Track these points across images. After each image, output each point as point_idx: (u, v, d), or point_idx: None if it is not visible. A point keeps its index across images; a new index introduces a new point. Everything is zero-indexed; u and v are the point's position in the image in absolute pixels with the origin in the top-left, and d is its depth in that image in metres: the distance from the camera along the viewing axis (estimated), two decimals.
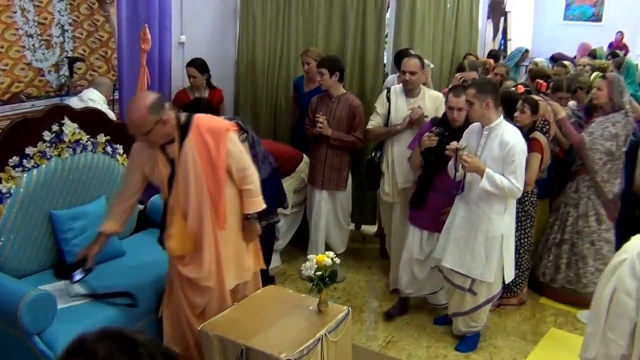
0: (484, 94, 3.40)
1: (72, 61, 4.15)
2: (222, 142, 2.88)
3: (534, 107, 4.04)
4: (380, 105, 4.31)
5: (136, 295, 3.18)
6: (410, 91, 4.22)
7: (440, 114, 4.23)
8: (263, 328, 2.83)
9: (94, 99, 3.89)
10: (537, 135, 4.04)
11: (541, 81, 4.77)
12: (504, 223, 3.52)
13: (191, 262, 2.98)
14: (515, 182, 3.38)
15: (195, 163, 2.87)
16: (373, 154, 4.43)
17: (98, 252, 3.06)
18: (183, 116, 2.92)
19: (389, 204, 4.39)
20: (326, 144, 4.39)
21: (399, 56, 5.01)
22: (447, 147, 3.48)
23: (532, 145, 3.99)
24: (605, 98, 4.19)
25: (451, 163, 3.55)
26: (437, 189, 3.81)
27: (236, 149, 2.95)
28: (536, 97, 4.22)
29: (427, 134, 3.74)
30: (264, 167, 3.89)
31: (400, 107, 4.23)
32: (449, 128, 3.76)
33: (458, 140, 3.53)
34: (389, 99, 4.28)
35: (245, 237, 3.09)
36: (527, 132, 4.05)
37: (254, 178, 3.02)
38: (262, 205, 3.06)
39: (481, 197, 3.46)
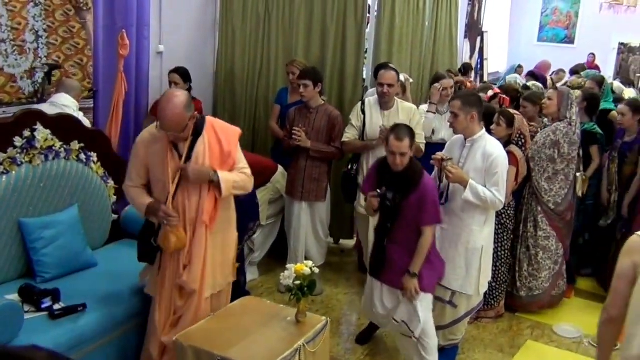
0: (469, 107, 3.40)
1: (51, 68, 4.04)
2: (234, 143, 2.99)
3: (510, 121, 4.10)
4: (355, 118, 4.31)
5: (110, 306, 3.07)
6: (385, 103, 4.24)
7: (414, 126, 4.17)
8: (240, 339, 2.75)
9: (67, 104, 3.75)
10: (513, 148, 4.08)
11: (504, 96, 4.91)
12: (483, 234, 3.52)
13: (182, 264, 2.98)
14: (498, 194, 3.38)
15: (205, 161, 2.91)
16: (350, 167, 4.43)
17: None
18: (197, 115, 2.98)
19: (365, 217, 4.32)
20: (305, 155, 4.36)
21: (379, 70, 5.05)
22: (433, 156, 3.46)
23: (508, 158, 4.02)
24: (555, 108, 4.35)
25: (435, 173, 3.53)
26: (396, 241, 3.34)
27: (241, 152, 3.06)
28: (512, 111, 4.28)
29: (370, 194, 3.31)
30: None
31: (375, 120, 4.24)
32: (393, 179, 3.27)
33: (399, 197, 3.22)
34: (363, 111, 4.29)
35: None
36: (502, 145, 4.08)
37: (247, 174, 3.03)
38: (225, 192, 2.93)
39: (463, 208, 3.45)
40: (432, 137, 4.52)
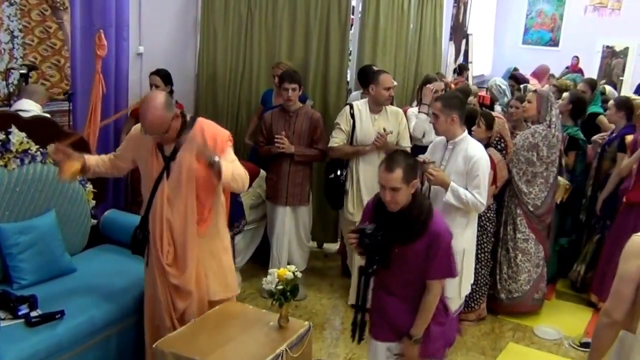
0: (449, 109, 3.42)
1: (29, 69, 4.00)
2: (220, 146, 2.92)
3: (489, 123, 4.15)
4: (344, 122, 4.30)
5: (88, 313, 3.07)
6: (375, 107, 4.26)
7: (402, 129, 4.32)
8: (221, 344, 2.75)
9: (29, 110, 3.65)
10: (491, 151, 4.13)
11: (483, 94, 4.93)
12: (465, 237, 3.56)
13: (173, 265, 2.99)
14: (479, 196, 3.42)
15: (191, 163, 2.89)
16: (339, 173, 4.36)
17: (64, 160, 2.94)
18: (187, 115, 2.99)
19: (351, 222, 4.35)
20: (289, 160, 4.37)
21: (363, 73, 5.08)
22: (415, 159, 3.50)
23: None
24: (534, 111, 4.42)
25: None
26: (391, 292, 2.85)
27: (234, 158, 2.99)
28: (494, 113, 4.34)
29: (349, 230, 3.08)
30: None
31: (365, 123, 4.26)
32: (393, 219, 2.72)
33: (382, 234, 2.70)
34: (352, 116, 4.28)
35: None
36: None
37: (244, 171, 2.97)
38: (224, 176, 2.80)
39: (444, 211, 3.45)
40: (422, 139, 4.56)
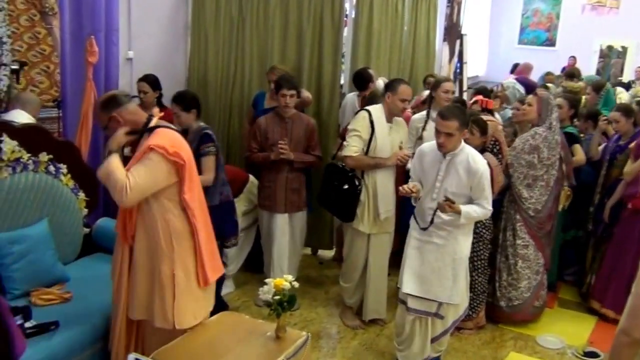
0: (465, 126, 3.54)
1: (21, 65, 4.05)
2: (141, 156, 2.83)
3: (483, 129, 4.21)
4: (364, 130, 4.13)
5: (83, 323, 3.14)
6: (389, 117, 4.19)
7: (404, 139, 4.36)
8: (218, 356, 2.84)
9: (22, 121, 3.70)
10: (488, 156, 4.18)
11: (485, 99, 4.99)
12: (467, 243, 3.69)
13: None
14: (487, 205, 3.57)
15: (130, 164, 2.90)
16: (357, 183, 4.22)
17: None
18: (153, 122, 2.96)
19: (364, 235, 4.28)
20: (287, 167, 4.42)
21: (358, 75, 5.19)
22: (401, 188, 3.56)
23: None
24: (535, 114, 4.50)
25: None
26: None
27: (143, 166, 2.81)
28: (486, 117, 4.41)
29: None
30: (214, 193, 3.93)
31: (383, 133, 4.17)
32: None
33: None
34: (372, 123, 4.14)
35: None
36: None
37: (125, 180, 2.77)
38: (99, 170, 2.85)
39: (450, 221, 3.57)
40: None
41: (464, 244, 3.66)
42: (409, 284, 3.66)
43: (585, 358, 4.24)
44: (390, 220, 4.34)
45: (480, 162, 3.55)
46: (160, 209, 2.88)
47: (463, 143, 3.59)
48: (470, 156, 3.54)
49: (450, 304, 3.69)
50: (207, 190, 3.57)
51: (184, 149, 2.94)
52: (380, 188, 4.20)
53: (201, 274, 2.98)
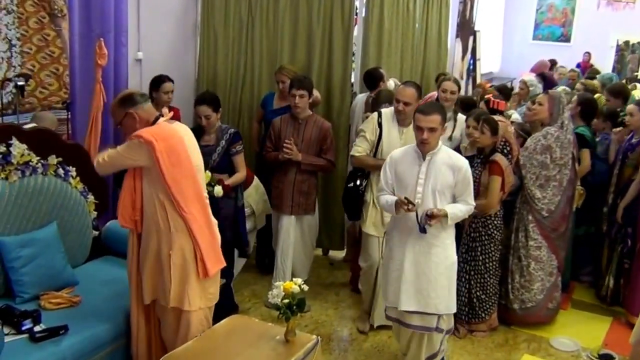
0: (445, 120, 3.49)
1: (26, 79, 4.05)
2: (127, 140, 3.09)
3: (494, 129, 4.17)
4: (370, 131, 4.18)
5: (92, 327, 3.16)
6: (402, 120, 4.13)
7: None
8: None
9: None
10: (498, 157, 4.17)
11: (497, 100, 4.94)
12: (454, 246, 3.59)
13: None
14: (471, 200, 3.52)
15: None
16: (359, 183, 4.29)
17: None
18: (160, 120, 3.15)
19: (373, 237, 4.22)
20: (295, 168, 4.42)
21: (369, 75, 5.17)
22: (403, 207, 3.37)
23: (492, 168, 4.15)
24: (546, 113, 4.44)
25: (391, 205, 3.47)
26: None
27: (121, 149, 3.09)
28: (496, 117, 4.37)
29: None
30: (229, 200, 4.07)
31: (392, 136, 4.13)
32: None
33: None
34: (380, 125, 4.16)
35: None
36: (488, 153, 4.21)
37: (105, 156, 3.15)
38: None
39: (436, 227, 3.45)
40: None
41: (452, 247, 3.55)
42: (408, 301, 3.47)
43: None
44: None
45: (460, 158, 3.52)
46: (155, 192, 3.05)
47: (441, 142, 3.52)
48: (448, 153, 3.51)
49: (447, 314, 3.57)
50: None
51: (171, 140, 3.06)
52: None
53: (200, 266, 3.09)
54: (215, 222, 3.25)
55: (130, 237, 3.20)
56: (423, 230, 3.40)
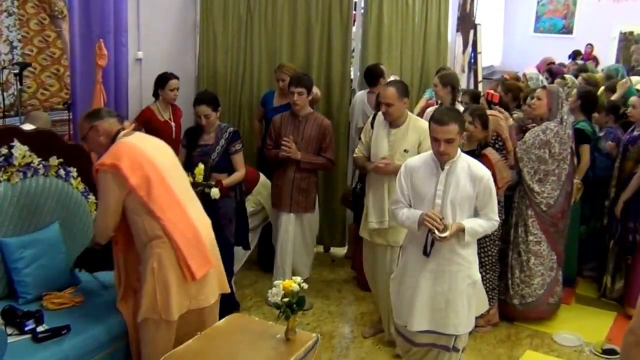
0: (463, 129, 3.17)
1: (22, 67, 4.08)
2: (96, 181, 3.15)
3: (484, 122, 4.12)
4: (365, 132, 4.13)
5: (94, 328, 3.19)
6: (392, 121, 3.93)
7: (424, 147, 3.76)
8: (228, 359, 2.86)
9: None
10: (488, 151, 4.11)
11: (492, 92, 4.88)
12: (476, 264, 3.32)
13: None
14: (494, 215, 3.21)
15: None
16: (361, 186, 4.27)
17: None
18: (120, 134, 3.17)
19: (369, 243, 4.10)
20: (294, 166, 4.43)
21: (369, 71, 5.15)
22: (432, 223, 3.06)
23: (482, 162, 3.98)
24: (544, 108, 4.42)
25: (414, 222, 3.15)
26: None
27: (99, 194, 3.16)
28: (489, 111, 4.34)
29: None
30: (228, 199, 4.10)
31: (380, 138, 3.96)
32: None
33: None
34: (373, 126, 4.05)
35: None
36: (478, 148, 4.14)
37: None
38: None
39: (460, 243, 3.16)
40: None
41: (475, 264, 3.26)
42: (421, 322, 3.20)
43: (603, 356, 4.19)
44: (393, 232, 3.91)
45: (481, 167, 3.22)
46: (128, 211, 3.07)
47: (459, 150, 3.21)
48: (468, 162, 3.19)
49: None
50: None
51: (131, 154, 3.06)
52: (371, 195, 3.99)
53: (186, 269, 3.05)
54: (208, 221, 3.24)
55: (113, 249, 3.27)
56: (427, 252, 3.13)
